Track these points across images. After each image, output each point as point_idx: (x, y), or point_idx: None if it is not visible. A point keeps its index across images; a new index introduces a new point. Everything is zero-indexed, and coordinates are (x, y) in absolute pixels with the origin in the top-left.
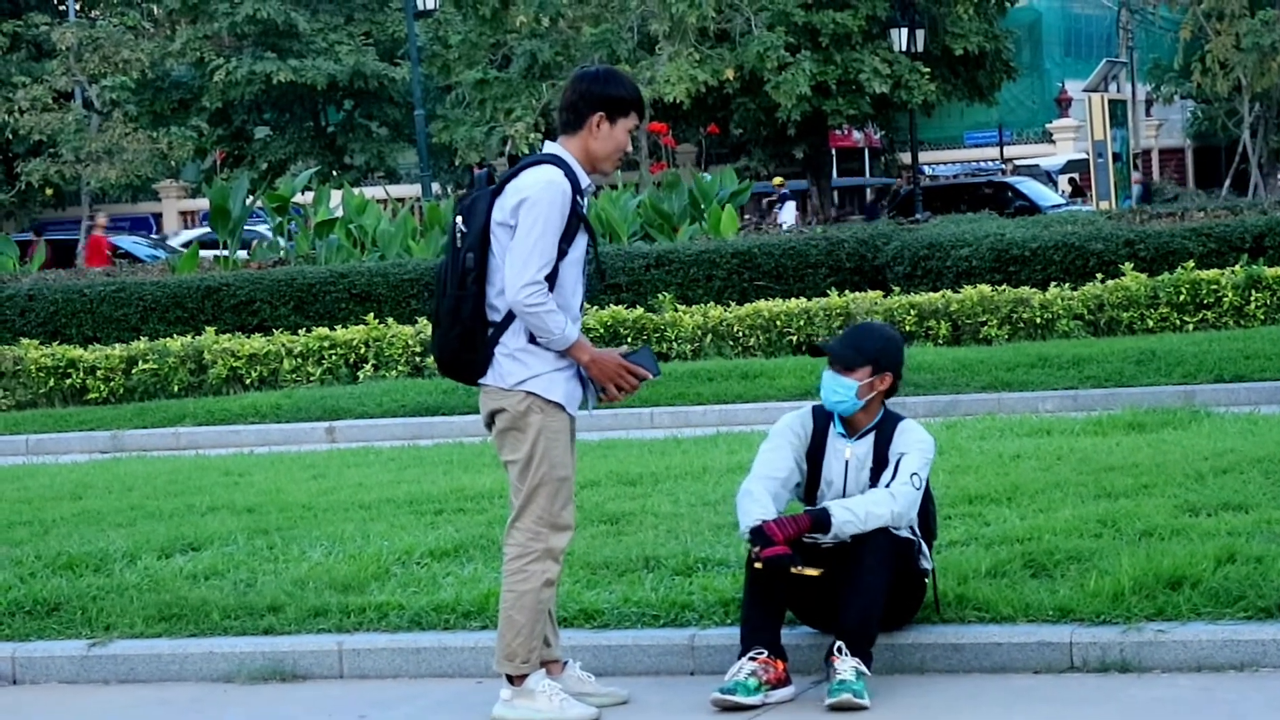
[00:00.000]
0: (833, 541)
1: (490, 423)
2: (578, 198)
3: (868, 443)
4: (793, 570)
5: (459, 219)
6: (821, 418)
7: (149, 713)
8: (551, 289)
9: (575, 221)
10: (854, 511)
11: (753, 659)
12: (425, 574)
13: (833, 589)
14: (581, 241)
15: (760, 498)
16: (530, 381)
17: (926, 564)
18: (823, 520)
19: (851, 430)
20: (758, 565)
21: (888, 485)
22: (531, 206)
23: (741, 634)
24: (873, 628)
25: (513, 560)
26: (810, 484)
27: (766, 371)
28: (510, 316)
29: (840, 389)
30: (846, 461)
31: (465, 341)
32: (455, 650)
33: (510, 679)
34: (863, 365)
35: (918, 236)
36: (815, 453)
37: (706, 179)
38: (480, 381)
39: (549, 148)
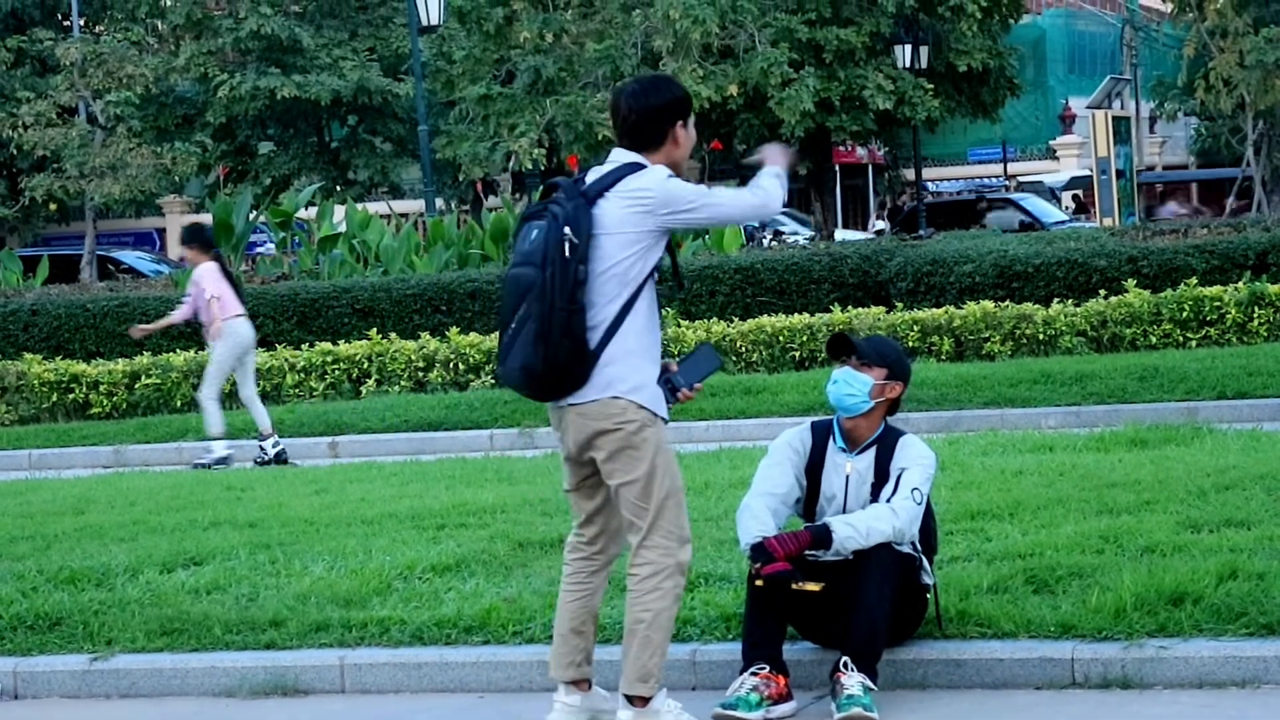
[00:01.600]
0: (834, 558)
1: (586, 447)
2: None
3: (869, 457)
4: (794, 586)
5: (568, 229)
6: (820, 434)
7: None
8: (639, 295)
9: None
10: (855, 527)
11: (754, 674)
12: (427, 589)
13: (833, 605)
14: (663, 253)
15: (760, 514)
16: (638, 393)
17: (928, 579)
18: (824, 536)
19: (852, 445)
20: (759, 582)
21: (889, 500)
22: (675, 191)
23: (743, 650)
24: (878, 644)
25: (647, 579)
26: (810, 499)
27: (769, 387)
28: (612, 329)
29: (855, 383)
30: (847, 476)
31: (575, 355)
32: (457, 665)
33: (631, 700)
34: (880, 366)
35: (921, 252)
36: (814, 468)
37: None
38: (572, 402)
39: (622, 156)
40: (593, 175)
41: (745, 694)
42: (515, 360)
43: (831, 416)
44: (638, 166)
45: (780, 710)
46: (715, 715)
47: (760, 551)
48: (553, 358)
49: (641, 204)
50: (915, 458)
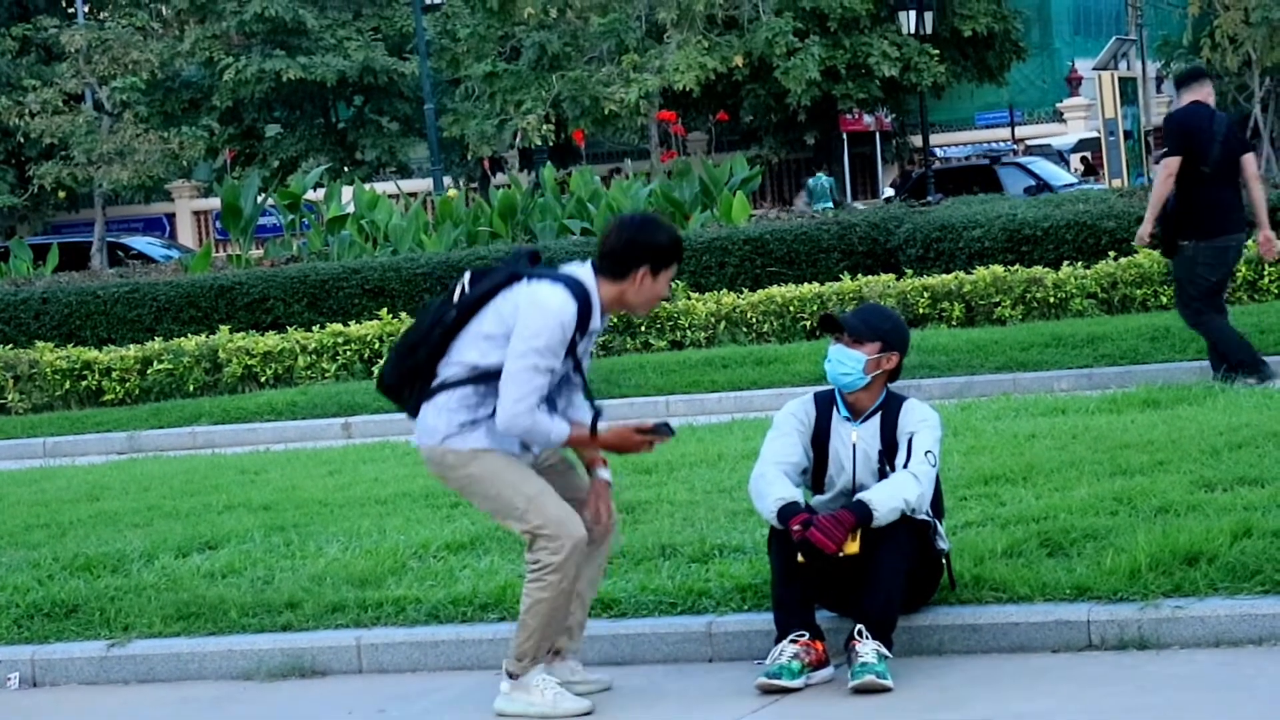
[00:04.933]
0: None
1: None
2: (578, 334)
3: (874, 425)
4: (836, 555)
5: (468, 276)
6: (824, 404)
7: (170, 712)
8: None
9: (568, 353)
10: (894, 497)
11: (793, 641)
12: (442, 567)
13: (850, 572)
14: (566, 367)
15: (776, 479)
16: (450, 440)
17: (943, 544)
18: (865, 514)
19: (856, 413)
20: (800, 558)
21: (905, 466)
22: (534, 330)
23: (776, 618)
24: (894, 612)
25: (533, 573)
26: (818, 470)
27: (781, 357)
28: (450, 385)
29: (848, 361)
30: (854, 445)
31: (408, 379)
32: (473, 642)
33: (510, 674)
34: (872, 340)
35: (929, 219)
36: (820, 439)
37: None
38: (417, 441)
39: (578, 270)
40: (560, 269)
41: (787, 662)
42: (384, 362)
43: (833, 387)
44: (565, 280)
45: (820, 675)
46: (759, 685)
47: (785, 516)
48: (397, 370)
49: (528, 303)
50: (920, 420)
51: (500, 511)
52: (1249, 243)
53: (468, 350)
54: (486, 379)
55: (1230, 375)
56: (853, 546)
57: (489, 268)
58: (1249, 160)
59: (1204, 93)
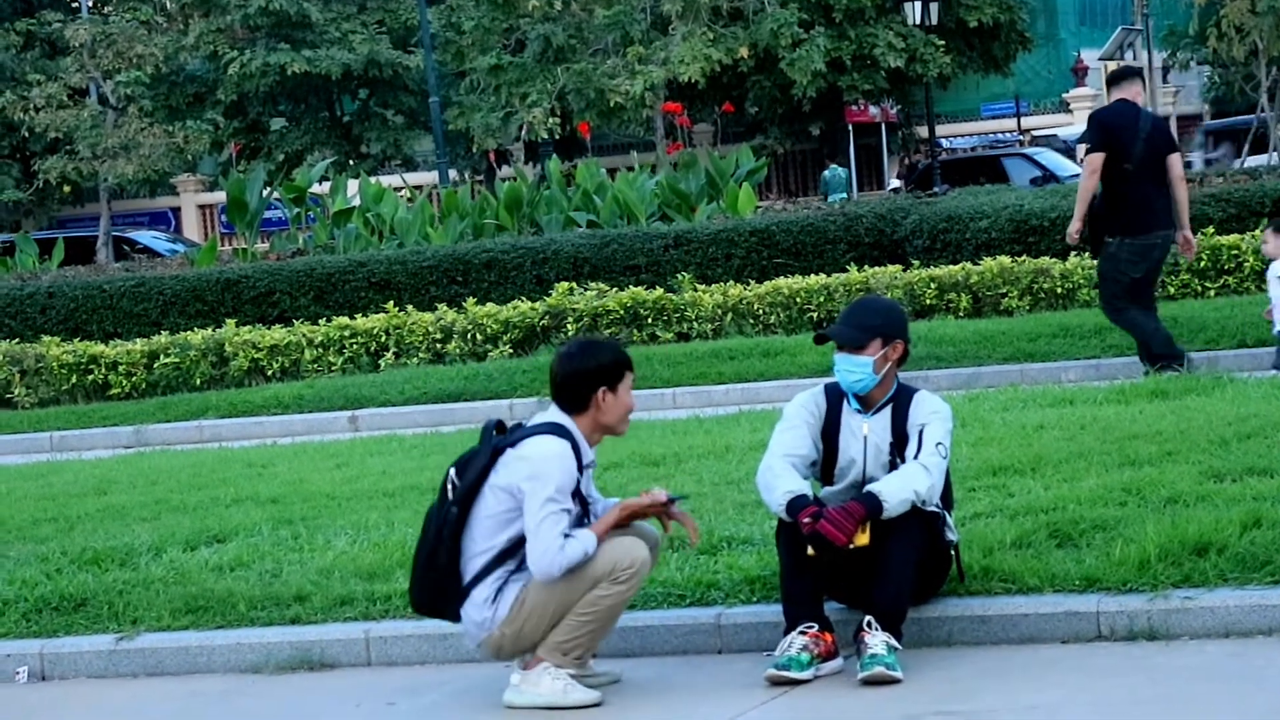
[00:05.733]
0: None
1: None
2: (579, 473)
3: (884, 417)
4: (850, 547)
5: (453, 470)
6: (834, 396)
7: (179, 705)
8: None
9: (574, 495)
10: (905, 489)
11: (802, 633)
12: None
13: (859, 564)
14: (574, 511)
15: (786, 472)
16: (496, 621)
17: (952, 535)
18: (875, 506)
19: (867, 405)
20: (810, 551)
21: (915, 458)
22: (540, 481)
23: (785, 610)
24: (904, 603)
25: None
26: (828, 463)
27: (788, 349)
28: (480, 575)
29: (856, 368)
30: (865, 438)
31: (439, 590)
32: None
33: (523, 664)
34: (871, 340)
35: (936, 210)
36: (830, 431)
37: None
38: (468, 643)
39: (551, 416)
40: (529, 424)
41: (796, 654)
42: (410, 583)
43: None
44: (548, 429)
45: (829, 667)
46: (768, 676)
47: (795, 509)
48: (425, 587)
49: (522, 466)
50: (931, 412)
51: (576, 603)
52: (1256, 233)
53: (481, 539)
54: (507, 554)
55: (1161, 368)
56: (863, 538)
57: (470, 455)
58: (1174, 161)
59: (1133, 91)
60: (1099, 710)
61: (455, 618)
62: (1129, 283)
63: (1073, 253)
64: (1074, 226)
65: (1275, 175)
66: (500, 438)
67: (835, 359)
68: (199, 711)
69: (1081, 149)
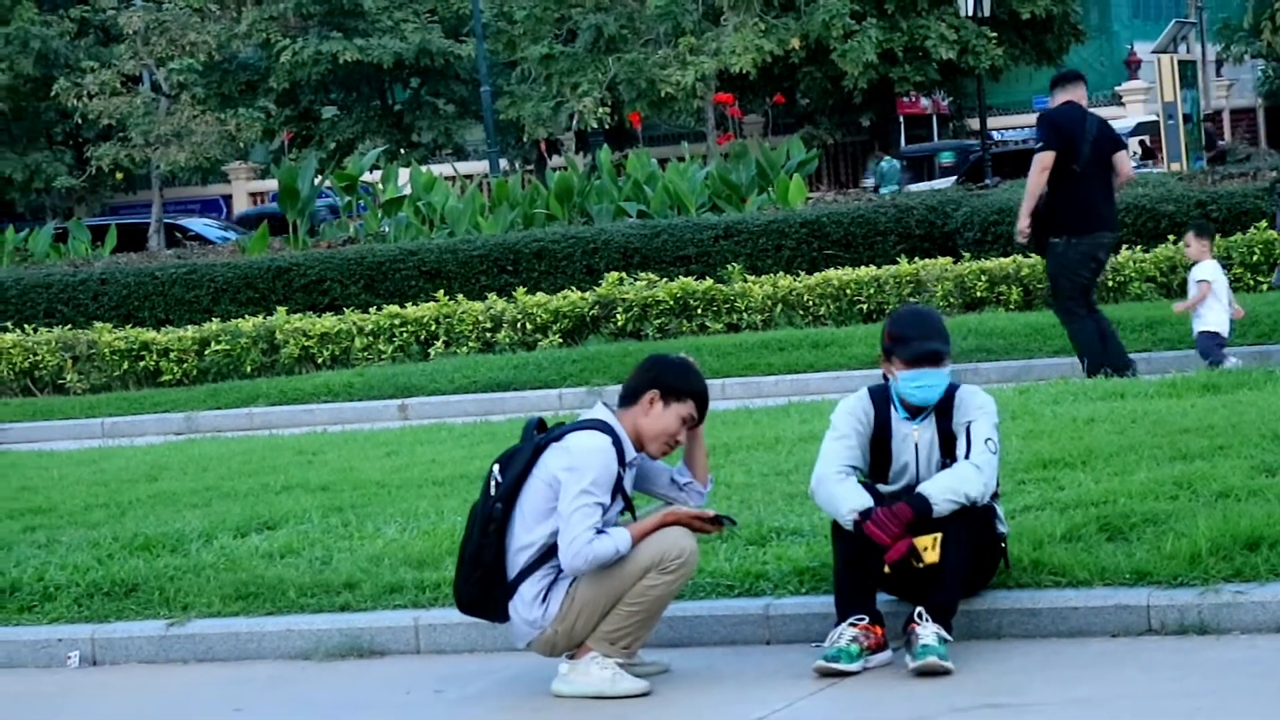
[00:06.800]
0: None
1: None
2: (621, 469)
3: (931, 421)
4: (916, 565)
5: (496, 467)
6: (880, 400)
7: (229, 691)
8: None
9: (615, 491)
10: (954, 491)
11: (853, 625)
12: None
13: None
14: (616, 507)
15: (845, 483)
16: (547, 620)
17: (1003, 528)
18: (924, 508)
19: (914, 413)
20: (886, 569)
21: (966, 457)
22: (578, 473)
23: (836, 602)
24: (955, 596)
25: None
26: (879, 465)
27: (838, 340)
28: (526, 571)
29: (938, 384)
30: (915, 445)
31: (484, 587)
32: None
33: (571, 654)
34: (949, 353)
35: (987, 201)
36: (881, 437)
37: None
38: (516, 643)
39: (600, 413)
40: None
41: (846, 645)
42: (455, 581)
43: (884, 382)
44: (593, 425)
45: (878, 659)
46: (817, 668)
47: (859, 530)
48: (469, 586)
49: (563, 458)
50: (976, 408)
51: (625, 594)
52: None
53: (524, 533)
54: (553, 550)
55: (1101, 373)
56: (932, 555)
57: (513, 451)
58: (1122, 158)
59: (1078, 94)
60: (1148, 704)
61: (501, 617)
62: (1083, 284)
63: (1124, 246)
64: (1023, 224)
65: None
66: (542, 435)
67: (911, 373)
68: (249, 698)
69: (1134, 142)
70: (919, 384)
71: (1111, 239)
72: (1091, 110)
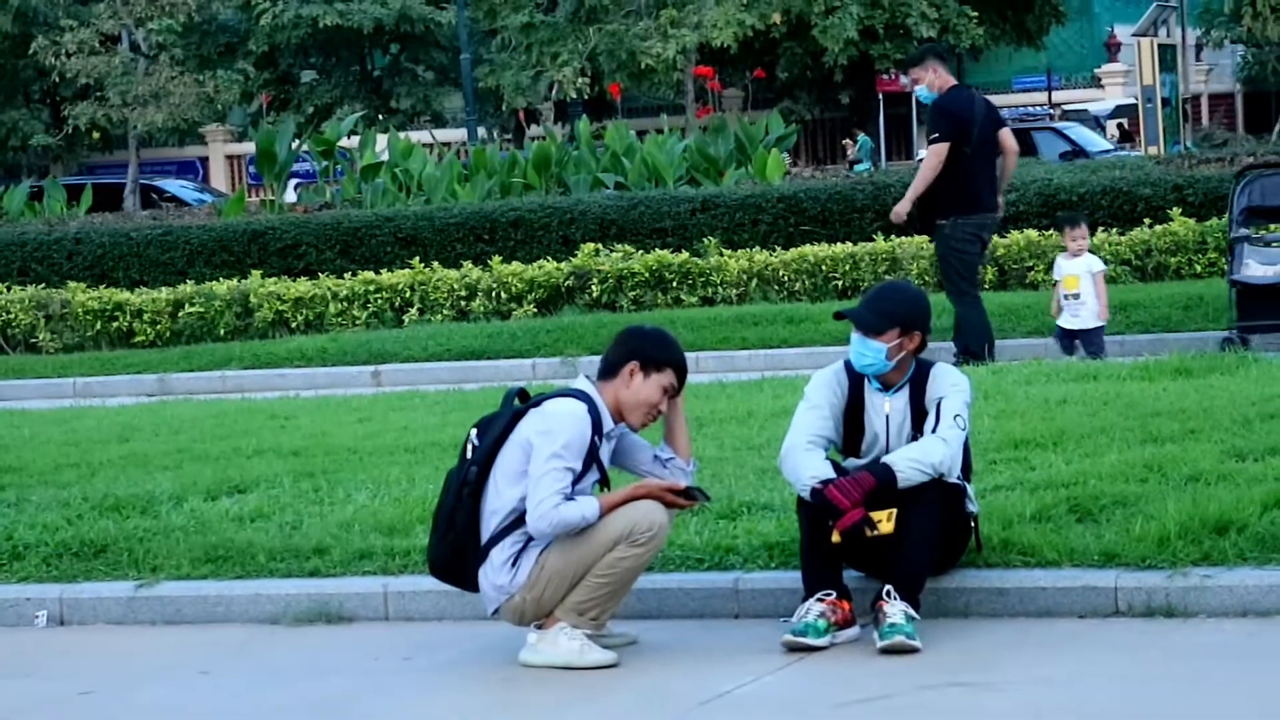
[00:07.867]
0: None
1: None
2: (596, 438)
3: (904, 394)
4: (869, 534)
5: (474, 431)
6: (855, 374)
7: (197, 654)
8: None
9: (590, 460)
10: (918, 462)
11: (820, 600)
12: None
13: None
14: (590, 478)
15: (811, 453)
16: (515, 588)
17: (972, 507)
18: (888, 477)
19: (887, 385)
20: (835, 538)
21: (934, 431)
22: (550, 436)
23: (804, 577)
24: (923, 574)
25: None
26: (852, 439)
27: (812, 316)
28: (497, 537)
29: (869, 352)
30: (887, 416)
31: (456, 551)
32: None
33: (539, 624)
34: (890, 328)
35: None
36: (854, 408)
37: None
38: (485, 608)
39: (580, 384)
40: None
41: (813, 620)
42: (428, 546)
43: None
44: (572, 393)
45: (845, 635)
46: (785, 642)
47: (820, 497)
48: (441, 549)
49: (539, 421)
50: (949, 386)
51: (595, 565)
52: None
53: (497, 498)
54: (524, 517)
55: (968, 357)
56: (887, 526)
57: (492, 417)
58: (1006, 134)
59: (945, 71)
60: (1114, 685)
61: (472, 586)
62: (972, 263)
63: (1099, 229)
64: (904, 207)
65: None
66: (520, 405)
67: (851, 338)
68: (216, 661)
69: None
70: (855, 350)
71: (995, 219)
72: (977, 90)
